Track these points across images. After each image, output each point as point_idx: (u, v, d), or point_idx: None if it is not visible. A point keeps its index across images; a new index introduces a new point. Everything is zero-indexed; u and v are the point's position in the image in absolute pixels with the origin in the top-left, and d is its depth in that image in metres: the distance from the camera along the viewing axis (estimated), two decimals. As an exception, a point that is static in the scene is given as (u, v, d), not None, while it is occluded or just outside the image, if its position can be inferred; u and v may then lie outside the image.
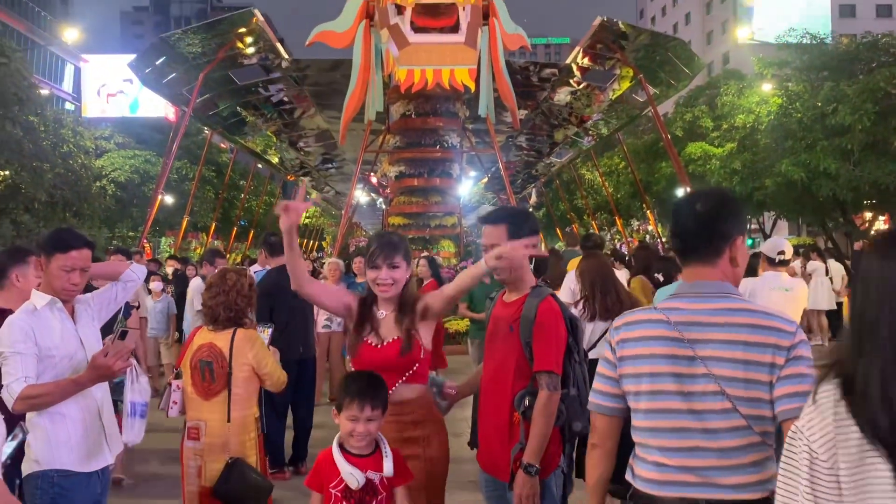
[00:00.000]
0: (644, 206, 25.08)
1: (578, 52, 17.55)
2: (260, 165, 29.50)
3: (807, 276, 12.46)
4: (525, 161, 28.27)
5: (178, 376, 3.81)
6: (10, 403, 2.77)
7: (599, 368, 2.13)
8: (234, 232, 27.25)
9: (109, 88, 42.99)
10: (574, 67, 18.13)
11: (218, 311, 3.76)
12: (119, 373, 2.85)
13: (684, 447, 1.93)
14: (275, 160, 26.33)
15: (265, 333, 4.20)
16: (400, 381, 2.82)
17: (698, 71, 18.37)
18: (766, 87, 20.91)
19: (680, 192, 19.81)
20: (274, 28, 18.04)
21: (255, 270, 7.14)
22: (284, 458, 6.06)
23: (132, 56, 17.94)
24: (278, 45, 16.69)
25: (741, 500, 1.88)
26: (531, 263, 2.89)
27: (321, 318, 8.16)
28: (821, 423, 1.33)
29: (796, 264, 12.00)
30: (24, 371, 2.80)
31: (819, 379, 1.40)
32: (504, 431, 2.80)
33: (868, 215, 20.40)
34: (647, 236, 32.48)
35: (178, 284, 10.37)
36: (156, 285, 9.00)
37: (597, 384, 2.14)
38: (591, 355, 4.20)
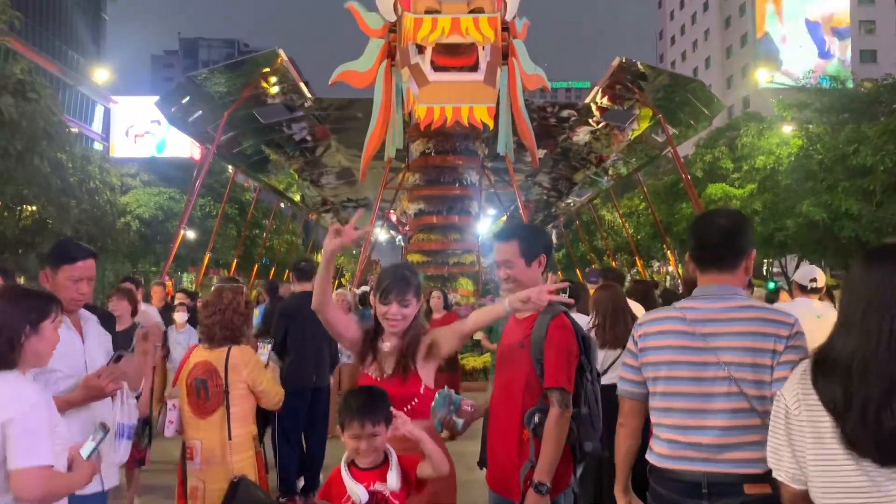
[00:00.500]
0: (665, 246, 24.95)
1: (598, 92, 17.67)
2: (283, 204, 29.78)
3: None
4: (545, 200, 28.30)
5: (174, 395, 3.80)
6: None
7: (624, 359, 2.53)
8: (256, 269, 27.42)
9: (137, 129, 43.91)
10: (593, 107, 18.24)
11: (214, 329, 3.77)
12: (110, 393, 2.86)
13: (694, 426, 2.26)
14: (296, 198, 26.58)
15: (265, 349, 4.17)
16: None
17: (718, 112, 18.35)
18: (787, 129, 20.91)
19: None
20: (298, 69, 18.41)
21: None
22: (296, 487, 6.01)
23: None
24: (301, 85, 17.00)
25: (744, 475, 2.18)
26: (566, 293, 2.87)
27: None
28: (792, 386, 1.77)
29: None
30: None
31: (804, 358, 1.80)
32: (514, 449, 2.76)
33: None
34: (668, 277, 32.23)
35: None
36: (180, 315, 9.02)
37: (622, 373, 2.52)
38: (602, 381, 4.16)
